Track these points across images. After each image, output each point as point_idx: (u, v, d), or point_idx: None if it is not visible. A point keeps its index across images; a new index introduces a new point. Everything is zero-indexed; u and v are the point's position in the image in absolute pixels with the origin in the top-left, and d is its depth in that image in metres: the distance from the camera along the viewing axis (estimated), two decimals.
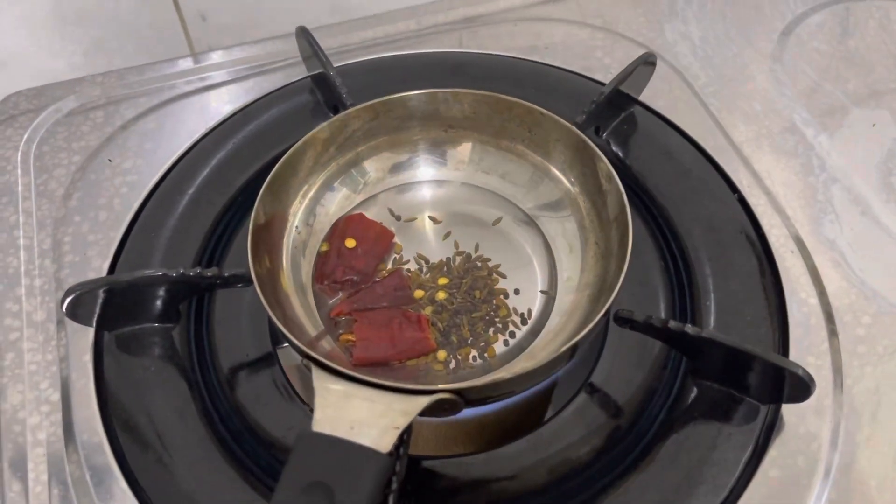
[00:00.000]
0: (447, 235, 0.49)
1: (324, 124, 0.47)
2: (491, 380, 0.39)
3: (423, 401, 0.36)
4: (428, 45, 0.60)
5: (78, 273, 0.48)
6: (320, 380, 0.37)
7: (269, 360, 0.45)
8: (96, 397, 0.43)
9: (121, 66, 0.69)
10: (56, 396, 0.43)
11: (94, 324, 0.44)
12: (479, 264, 0.48)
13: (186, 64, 0.60)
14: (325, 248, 0.48)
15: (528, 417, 0.47)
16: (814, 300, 0.46)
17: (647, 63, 0.53)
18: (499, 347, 0.45)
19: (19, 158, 0.53)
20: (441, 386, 0.36)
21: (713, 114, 0.55)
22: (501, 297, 0.46)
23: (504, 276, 0.48)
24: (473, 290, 0.47)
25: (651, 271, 0.48)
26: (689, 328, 0.40)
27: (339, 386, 0.37)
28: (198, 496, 0.40)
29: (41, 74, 0.68)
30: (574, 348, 0.39)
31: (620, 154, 0.53)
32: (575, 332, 0.43)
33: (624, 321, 0.42)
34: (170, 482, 0.40)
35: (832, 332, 0.44)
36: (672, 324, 0.41)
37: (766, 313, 0.46)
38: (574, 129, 0.46)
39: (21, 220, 0.50)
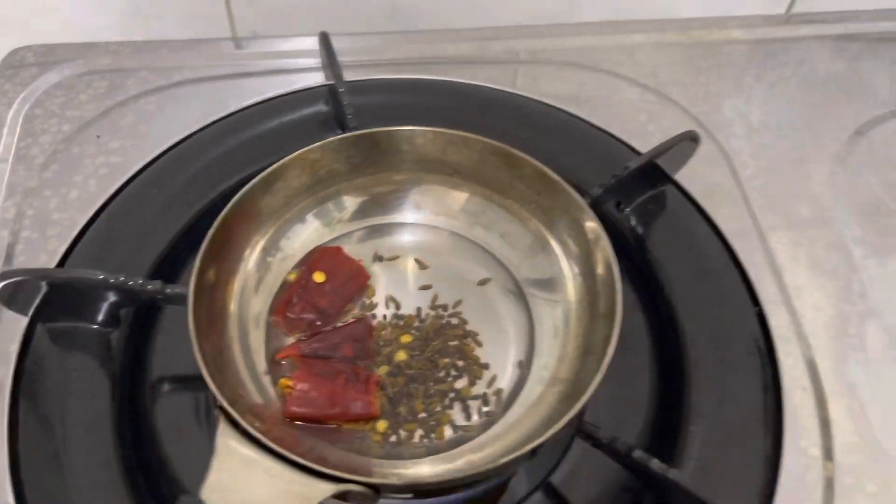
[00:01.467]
0: (427, 287, 0.45)
1: (314, 146, 0.43)
2: (413, 480, 0.35)
3: (328, 489, 0.32)
4: (463, 73, 0.55)
5: (32, 251, 0.45)
6: (225, 437, 0.33)
7: (201, 384, 0.41)
8: (10, 391, 0.40)
9: (157, 34, 0.67)
10: None
11: (31, 314, 0.41)
12: (455, 322, 0.43)
13: (204, 48, 0.57)
14: (293, 276, 0.44)
15: None
16: (816, 451, 0.40)
17: (690, 140, 0.47)
18: (448, 428, 0.40)
19: (9, 117, 0.50)
20: (351, 476, 0.32)
21: (753, 211, 0.49)
22: (476, 367, 0.42)
23: (480, 345, 0.43)
24: (440, 356, 0.42)
25: (640, 375, 0.43)
26: (654, 464, 0.35)
27: (244, 449, 0.33)
28: None
29: (75, 30, 0.66)
30: (523, 456, 0.35)
31: (640, 233, 0.48)
32: (533, 432, 0.38)
33: (587, 436, 0.37)
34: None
35: (828, 499, 0.38)
36: (637, 454, 0.35)
37: (757, 456, 0.40)
38: (584, 204, 0.41)
39: None
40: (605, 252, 0.40)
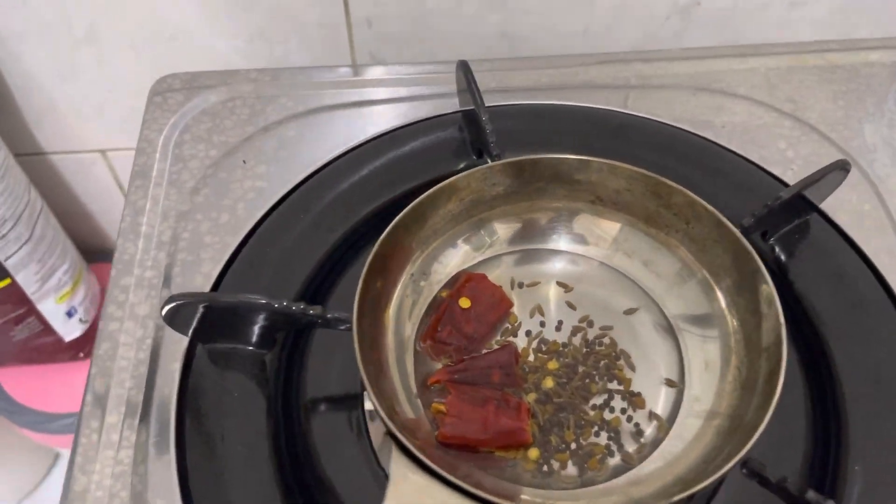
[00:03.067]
0: (573, 307, 0.45)
1: (462, 175, 0.44)
2: None
3: None
4: (593, 98, 0.55)
5: (188, 273, 0.46)
6: (400, 465, 0.34)
7: (354, 403, 0.42)
8: (175, 409, 0.41)
9: (280, 57, 0.69)
10: (138, 398, 0.42)
11: (190, 334, 0.42)
12: (607, 341, 0.43)
13: (340, 74, 0.58)
14: (440, 300, 0.45)
15: None
16: None
17: (840, 170, 0.46)
18: (601, 460, 0.40)
19: (161, 143, 0.52)
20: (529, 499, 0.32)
21: None
22: (629, 396, 0.41)
23: (633, 370, 0.42)
24: (591, 382, 0.42)
25: (793, 412, 0.42)
26: None
27: (418, 477, 0.34)
28: None
29: (204, 53, 0.68)
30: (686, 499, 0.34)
31: (784, 264, 0.47)
32: (694, 468, 0.38)
33: (753, 474, 0.37)
34: None
35: None
36: (811, 495, 0.34)
37: None
38: (740, 236, 0.41)
39: (148, 206, 0.49)
40: (765, 285, 0.39)
